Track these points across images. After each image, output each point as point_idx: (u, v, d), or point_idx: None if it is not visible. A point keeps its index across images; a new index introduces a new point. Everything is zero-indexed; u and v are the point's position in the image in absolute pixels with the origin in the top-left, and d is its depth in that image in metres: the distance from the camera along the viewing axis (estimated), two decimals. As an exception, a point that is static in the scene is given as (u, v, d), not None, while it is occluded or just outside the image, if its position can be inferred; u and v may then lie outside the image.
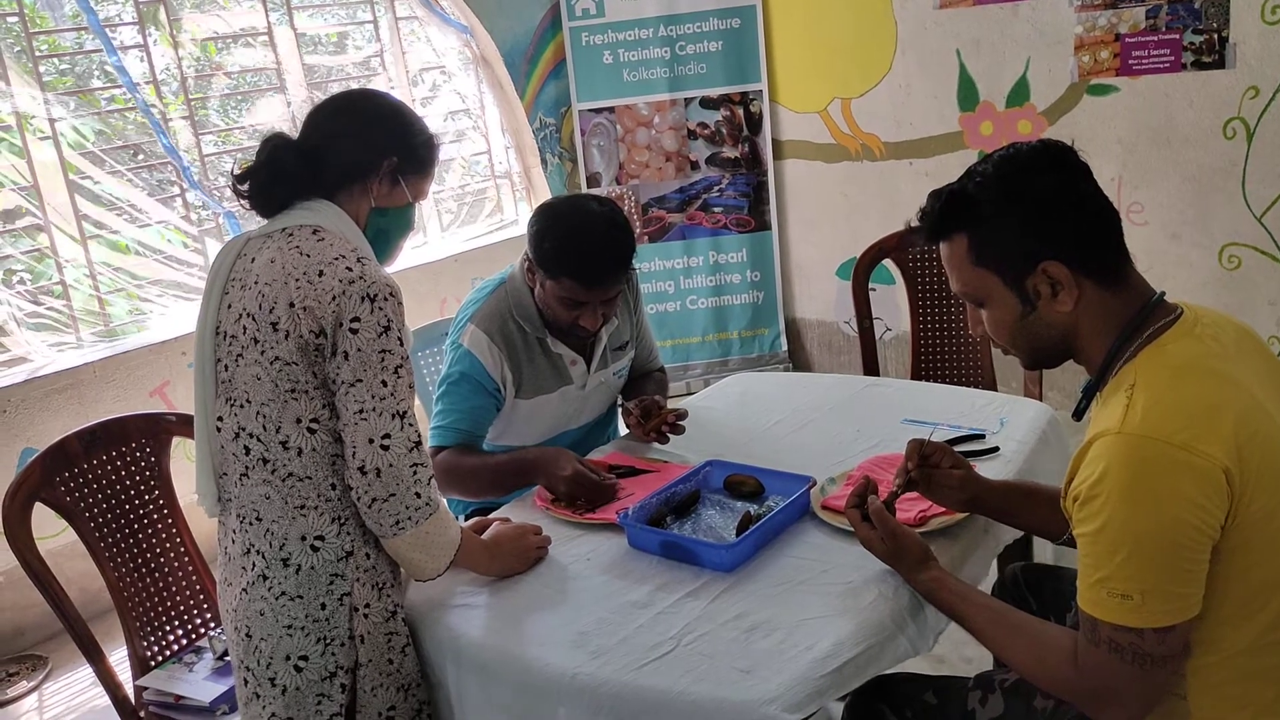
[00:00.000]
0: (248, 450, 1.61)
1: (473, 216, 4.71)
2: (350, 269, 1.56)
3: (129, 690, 1.99)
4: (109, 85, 3.52)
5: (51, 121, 3.35)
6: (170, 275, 3.68)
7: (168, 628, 2.09)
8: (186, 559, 2.12)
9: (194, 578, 2.13)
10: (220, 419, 1.65)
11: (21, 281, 3.43)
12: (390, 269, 1.76)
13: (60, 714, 2.93)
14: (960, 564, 1.69)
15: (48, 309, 3.42)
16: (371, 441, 1.54)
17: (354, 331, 1.54)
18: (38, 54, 3.32)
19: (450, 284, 4.22)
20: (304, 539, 1.60)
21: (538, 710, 1.50)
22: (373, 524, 1.59)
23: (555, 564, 1.77)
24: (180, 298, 3.68)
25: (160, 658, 2.07)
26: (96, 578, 2.01)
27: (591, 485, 1.98)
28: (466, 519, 2.28)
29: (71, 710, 2.93)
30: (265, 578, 1.61)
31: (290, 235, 1.63)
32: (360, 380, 1.54)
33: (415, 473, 1.58)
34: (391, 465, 1.55)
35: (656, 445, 2.21)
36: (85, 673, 2.94)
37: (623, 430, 2.32)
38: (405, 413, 1.58)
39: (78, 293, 3.47)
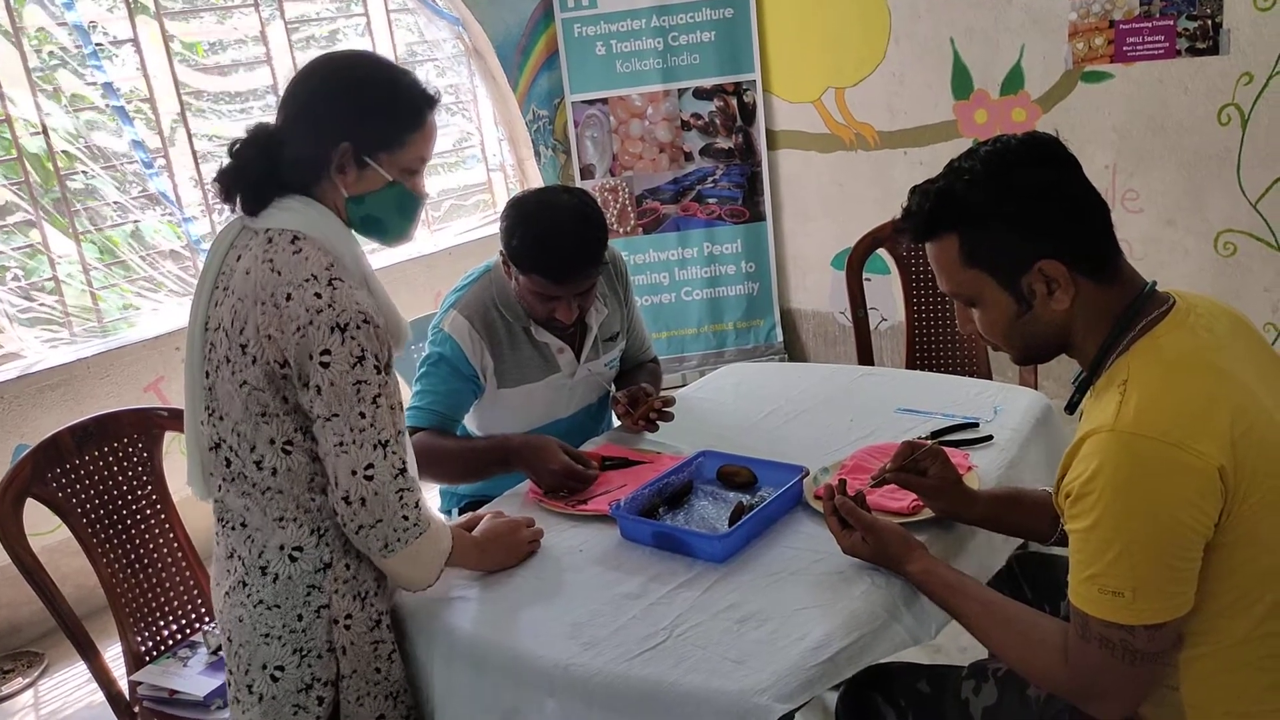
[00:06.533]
0: (227, 463, 1.58)
1: (467, 209, 4.71)
2: (319, 295, 1.46)
3: (123, 686, 1.99)
4: (94, 84, 3.50)
5: (42, 117, 3.33)
6: (164, 269, 3.67)
7: (162, 623, 2.09)
8: (180, 554, 2.12)
9: (187, 573, 2.13)
10: (202, 423, 1.61)
11: (15, 278, 3.43)
12: (383, 262, 1.72)
13: (56, 710, 2.93)
14: (955, 552, 1.68)
15: (41, 305, 3.41)
16: (354, 473, 1.48)
17: (324, 365, 1.45)
18: (25, 49, 3.30)
19: (444, 276, 4.21)
20: (282, 548, 1.56)
21: (530, 702, 1.50)
22: (361, 547, 1.55)
23: (548, 556, 1.77)
24: (174, 293, 3.67)
25: (155, 653, 2.06)
26: (92, 574, 2.00)
27: (579, 479, 1.97)
28: (460, 513, 2.28)
29: (67, 706, 2.93)
30: (244, 584, 1.58)
31: (270, 241, 1.54)
32: (336, 415, 1.47)
33: (401, 498, 1.51)
34: (377, 493, 1.49)
35: (649, 436, 2.21)
36: (81, 669, 2.93)
37: (616, 422, 2.31)
38: (388, 441, 1.50)
39: (70, 288, 3.46)
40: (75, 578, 2.30)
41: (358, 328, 1.46)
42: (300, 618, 1.56)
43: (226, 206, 1.60)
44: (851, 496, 1.60)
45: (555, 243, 2.04)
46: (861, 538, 1.56)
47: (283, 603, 1.56)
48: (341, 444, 1.47)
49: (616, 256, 2.36)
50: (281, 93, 1.62)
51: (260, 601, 1.56)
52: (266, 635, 1.57)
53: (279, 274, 1.49)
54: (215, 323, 1.57)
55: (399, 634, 1.67)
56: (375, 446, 1.49)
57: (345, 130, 1.55)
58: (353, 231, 1.62)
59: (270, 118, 1.62)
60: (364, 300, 1.50)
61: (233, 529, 1.60)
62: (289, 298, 1.47)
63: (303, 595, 1.56)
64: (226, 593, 1.61)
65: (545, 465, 1.98)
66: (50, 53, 3.51)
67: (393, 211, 1.63)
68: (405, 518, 1.52)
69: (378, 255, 3.52)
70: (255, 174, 1.55)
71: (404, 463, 1.53)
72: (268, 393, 1.50)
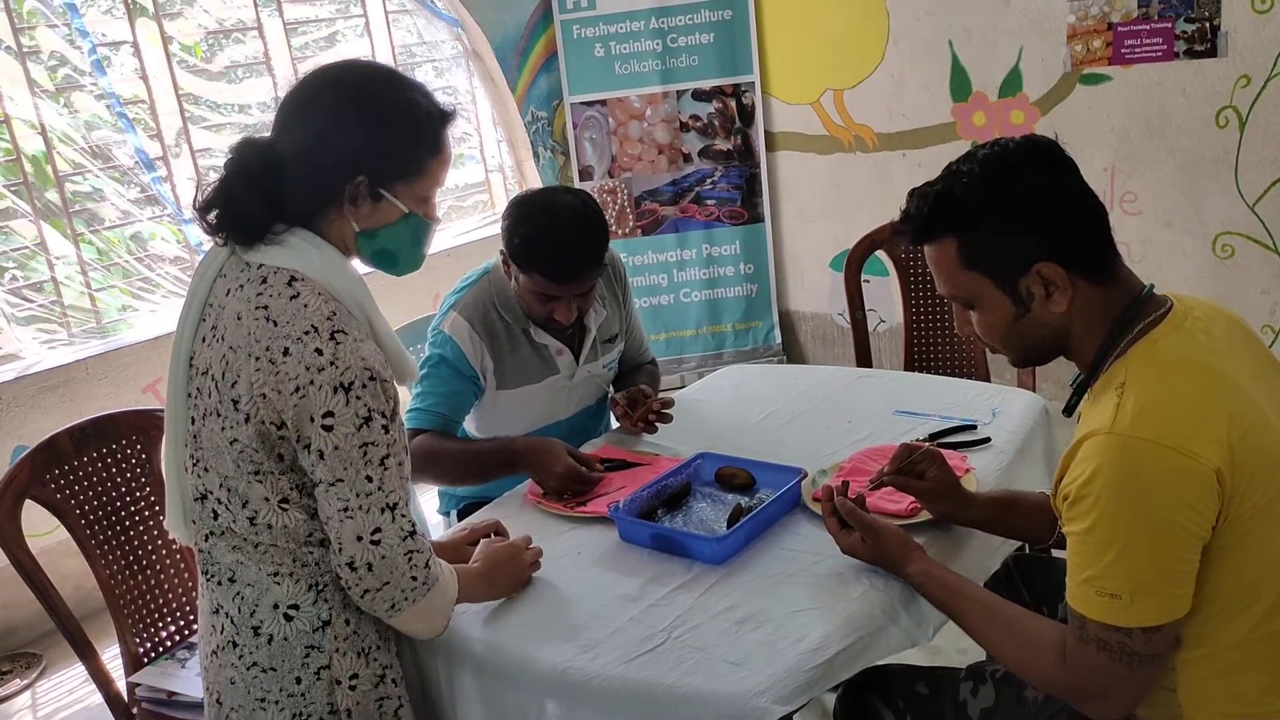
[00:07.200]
0: (215, 515, 1.46)
1: (465, 210, 4.71)
2: (320, 351, 1.34)
3: (122, 687, 1.99)
4: (93, 85, 3.50)
5: (41, 117, 3.32)
6: (162, 270, 3.67)
7: (160, 624, 2.09)
8: (178, 556, 2.12)
9: (185, 574, 2.13)
10: (186, 469, 1.49)
11: (13, 279, 3.42)
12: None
13: (54, 711, 2.93)
14: (953, 554, 1.68)
15: (39, 306, 3.41)
16: (360, 539, 1.38)
17: (327, 429, 1.34)
18: (25, 50, 3.30)
19: (442, 278, 4.17)
20: (277, 607, 1.45)
21: (529, 703, 1.50)
22: (366, 609, 1.45)
23: (546, 558, 1.76)
24: (173, 294, 3.66)
25: (153, 654, 2.06)
26: (90, 575, 2.00)
27: (584, 481, 1.97)
28: (459, 515, 2.28)
29: (65, 708, 2.93)
30: (235, 644, 1.47)
31: (264, 282, 1.40)
32: (341, 480, 1.36)
33: (410, 559, 1.41)
34: (384, 558, 1.39)
35: (647, 438, 2.21)
36: (79, 670, 2.93)
37: (615, 424, 2.31)
38: (396, 504, 1.40)
39: (68, 289, 3.45)
40: (74, 578, 2.30)
41: (363, 386, 1.35)
42: (299, 680, 1.46)
43: (218, 240, 1.46)
44: (852, 499, 1.61)
45: (557, 242, 2.04)
46: (861, 538, 1.57)
47: (279, 665, 1.45)
48: (346, 509, 1.37)
49: (615, 258, 2.36)
50: (279, 105, 1.48)
51: (254, 664, 1.46)
52: (262, 700, 1.46)
53: (275, 324, 1.37)
54: (203, 365, 1.44)
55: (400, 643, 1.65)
56: (383, 510, 1.39)
57: (359, 161, 1.42)
58: (355, 264, 1.50)
59: (266, 118, 1.52)
60: (369, 354, 1.38)
61: (219, 584, 1.49)
62: (286, 352, 1.35)
63: (300, 656, 1.45)
64: (213, 651, 1.50)
65: (550, 468, 1.97)
66: (52, 52, 3.50)
67: (407, 243, 1.51)
68: (413, 578, 1.42)
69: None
70: (248, 206, 1.42)
71: (413, 524, 1.43)
72: (261, 452, 1.39)
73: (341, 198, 1.43)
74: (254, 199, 1.41)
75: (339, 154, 1.41)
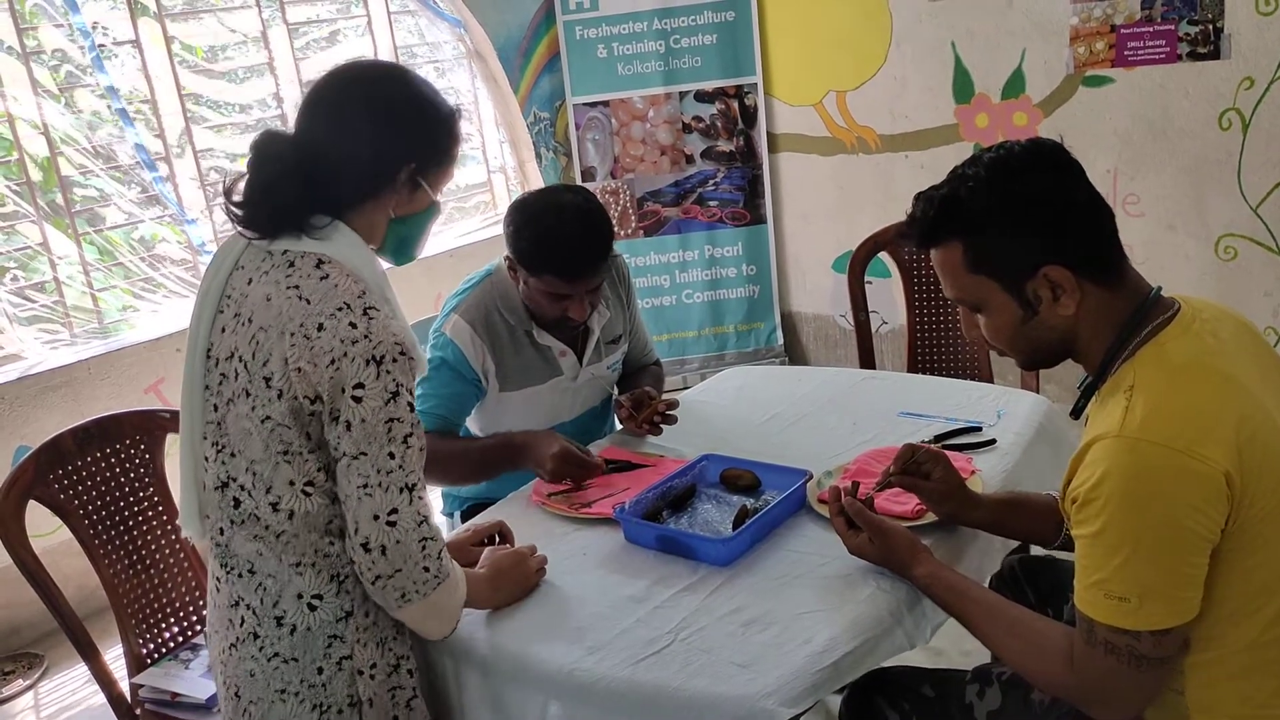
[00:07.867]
0: (236, 503, 1.47)
1: (467, 211, 4.70)
2: (354, 325, 1.37)
3: (125, 688, 1.99)
4: (94, 85, 3.50)
5: (43, 116, 3.32)
6: (164, 270, 3.67)
7: (163, 625, 2.09)
8: (182, 556, 2.12)
9: (189, 575, 2.13)
10: (206, 459, 1.50)
11: (14, 279, 3.42)
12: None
13: (56, 712, 2.92)
14: (958, 556, 1.68)
15: (41, 306, 3.41)
16: (376, 518, 1.38)
17: (357, 400, 1.36)
18: (29, 50, 3.30)
19: (444, 279, 4.19)
20: (300, 597, 1.46)
21: (534, 705, 1.49)
22: (376, 598, 1.45)
23: (551, 559, 1.76)
24: (175, 294, 3.66)
25: (156, 655, 2.06)
26: (93, 575, 2.00)
27: (580, 463, 1.98)
28: (463, 516, 2.28)
29: (68, 709, 2.93)
30: (256, 636, 1.47)
31: (291, 265, 1.43)
32: (364, 453, 1.38)
33: (424, 547, 1.42)
34: (399, 542, 1.39)
35: (651, 439, 2.20)
36: (82, 671, 2.92)
37: (619, 425, 2.31)
38: (414, 485, 1.41)
39: (70, 289, 3.45)
40: (77, 579, 2.30)
41: (394, 360, 1.38)
42: (320, 671, 1.47)
43: (244, 232, 1.48)
44: (861, 500, 1.61)
45: (564, 241, 2.05)
46: (868, 539, 1.56)
47: (301, 656, 1.46)
48: (366, 485, 1.38)
49: (619, 260, 2.36)
50: (302, 101, 1.52)
51: (275, 654, 1.46)
52: (282, 691, 1.47)
53: (308, 302, 1.40)
54: (226, 352, 1.46)
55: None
56: (401, 490, 1.40)
57: (409, 150, 1.49)
58: (372, 252, 1.54)
59: (269, 117, 1.54)
60: (400, 330, 1.42)
61: (239, 575, 1.49)
62: (321, 327, 1.37)
63: (323, 647, 1.46)
64: (232, 645, 1.50)
65: (547, 450, 1.99)
66: (54, 51, 3.50)
67: (423, 232, 1.58)
68: (426, 569, 1.42)
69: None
70: (287, 199, 1.44)
71: (429, 509, 1.44)
72: (293, 429, 1.41)
73: (391, 184, 1.49)
74: (292, 192, 1.44)
75: (389, 141, 1.48)
